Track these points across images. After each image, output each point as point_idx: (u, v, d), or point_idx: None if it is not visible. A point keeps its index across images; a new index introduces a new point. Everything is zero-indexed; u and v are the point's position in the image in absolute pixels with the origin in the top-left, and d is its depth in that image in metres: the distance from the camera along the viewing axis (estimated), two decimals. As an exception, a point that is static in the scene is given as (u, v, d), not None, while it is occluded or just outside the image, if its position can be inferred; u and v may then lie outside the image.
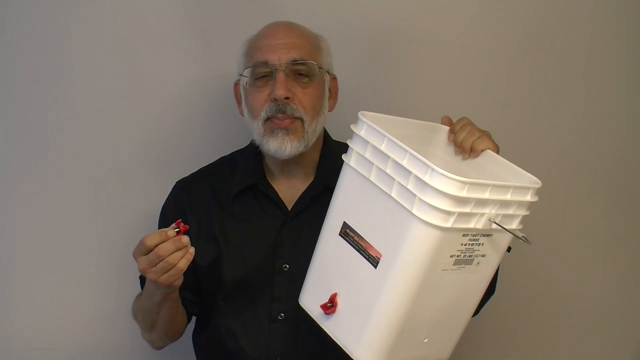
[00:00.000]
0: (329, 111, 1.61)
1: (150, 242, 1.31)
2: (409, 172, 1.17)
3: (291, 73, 1.51)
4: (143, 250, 1.32)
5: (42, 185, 1.87)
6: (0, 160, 1.86)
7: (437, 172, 1.14)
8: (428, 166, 1.15)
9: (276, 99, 1.49)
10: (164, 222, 1.62)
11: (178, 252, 1.31)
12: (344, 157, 1.30)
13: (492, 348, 2.05)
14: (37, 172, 1.87)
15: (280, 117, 1.50)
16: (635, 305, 2.12)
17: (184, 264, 1.33)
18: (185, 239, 1.32)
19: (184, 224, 1.57)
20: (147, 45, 1.86)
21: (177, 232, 1.32)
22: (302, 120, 1.51)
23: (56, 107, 1.85)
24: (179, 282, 1.37)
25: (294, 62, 1.51)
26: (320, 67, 1.55)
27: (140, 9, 1.85)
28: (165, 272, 1.32)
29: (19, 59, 1.84)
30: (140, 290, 1.63)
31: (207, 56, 1.87)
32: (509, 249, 1.33)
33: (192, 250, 1.33)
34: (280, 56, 1.51)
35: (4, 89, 1.85)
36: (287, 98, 1.49)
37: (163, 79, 1.87)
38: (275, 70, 1.50)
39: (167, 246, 1.31)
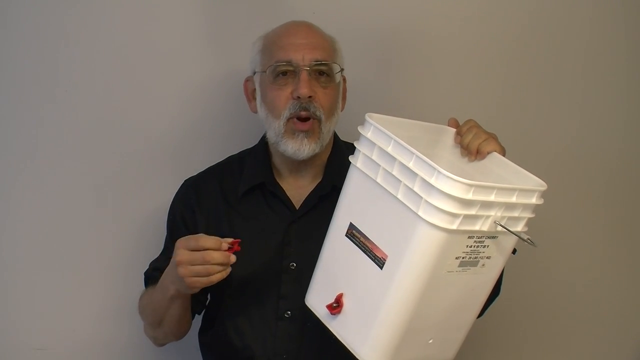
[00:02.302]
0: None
1: (204, 243, 1.33)
2: (415, 174, 1.18)
3: (313, 73, 1.53)
4: (192, 246, 1.33)
5: (46, 183, 1.87)
6: (6, 158, 1.86)
7: (443, 174, 1.15)
8: (434, 169, 1.16)
9: (299, 97, 1.51)
10: (172, 221, 1.64)
11: (219, 265, 1.33)
12: (350, 158, 1.31)
13: (496, 349, 2.06)
14: (43, 169, 1.87)
15: (303, 115, 1.51)
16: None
17: (217, 278, 1.34)
18: (233, 257, 1.34)
19: (193, 221, 1.58)
20: (154, 44, 1.86)
21: (229, 248, 1.33)
22: (319, 120, 1.52)
23: (66, 106, 1.85)
24: (198, 289, 1.39)
25: (317, 63, 1.53)
26: (342, 69, 1.57)
27: (151, 8, 1.86)
28: (197, 276, 1.34)
29: (25, 57, 1.84)
30: (144, 289, 1.64)
31: (212, 56, 1.87)
32: (514, 251, 1.33)
33: (229, 270, 1.35)
34: (304, 56, 1.52)
35: (15, 89, 1.85)
36: (310, 97, 1.51)
37: (171, 78, 1.87)
38: (299, 69, 1.52)
39: (216, 255, 1.32)
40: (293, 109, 1.51)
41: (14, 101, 1.85)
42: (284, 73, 1.53)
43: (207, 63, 1.87)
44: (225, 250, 1.33)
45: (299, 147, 1.52)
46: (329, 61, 1.54)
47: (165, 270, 1.46)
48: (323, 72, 1.54)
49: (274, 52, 1.55)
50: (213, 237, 1.34)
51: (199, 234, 1.35)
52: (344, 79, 1.64)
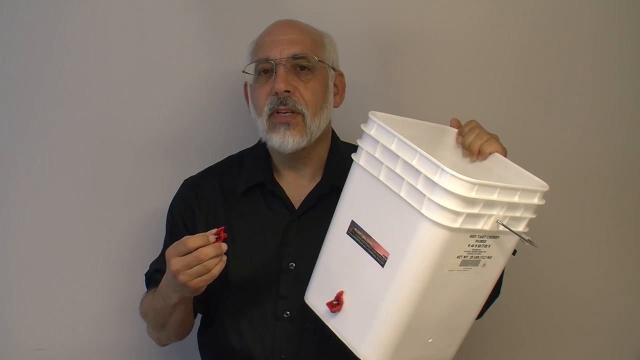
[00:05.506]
0: (335, 107, 1.62)
1: (193, 243, 1.32)
2: (419, 172, 1.18)
3: (292, 68, 1.53)
4: (182, 251, 1.32)
5: (46, 183, 1.86)
6: (5, 158, 1.86)
7: (447, 172, 1.15)
8: (438, 166, 1.16)
9: (277, 93, 1.50)
10: (172, 220, 1.63)
11: (215, 258, 1.33)
12: (353, 156, 1.31)
13: (495, 349, 2.06)
14: (42, 169, 1.86)
15: (282, 110, 1.51)
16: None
17: (218, 270, 1.34)
18: (224, 246, 1.34)
19: (192, 221, 1.58)
20: (154, 43, 1.86)
21: (216, 238, 1.33)
22: (303, 115, 1.52)
23: (65, 107, 1.85)
24: (204, 288, 1.38)
25: (295, 57, 1.53)
26: (320, 61, 1.56)
27: (151, 7, 1.86)
28: (199, 277, 1.33)
29: (23, 58, 1.84)
30: (146, 289, 1.64)
31: (213, 55, 1.88)
32: (514, 252, 1.34)
33: (225, 258, 1.35)
34: (281, 51, 1.53)
35: (14, 90, 1.85)
36: (288, 92, 1.51)
37: (171, 78, 1.87)
38: (276, 65, 1.52)
39: (208, 250, 1.32)
40: (272, 104, 1.52)
41: (12, 102, 1.85)
42: (265, 71, 1.54)
43: (207, 63, 1.87)
44: (214, 242, 1.33)
45: (283, 140, 1.51)
46: (308, 54, 1.53)
47: (162, 281, 1.45)
48: (304, 67, 1.54)
49: (256, 51, 1.57)
50: (198, 235, 1.34)
51: (184, 237, 1.34)
52: (341, 75, 1.63)
